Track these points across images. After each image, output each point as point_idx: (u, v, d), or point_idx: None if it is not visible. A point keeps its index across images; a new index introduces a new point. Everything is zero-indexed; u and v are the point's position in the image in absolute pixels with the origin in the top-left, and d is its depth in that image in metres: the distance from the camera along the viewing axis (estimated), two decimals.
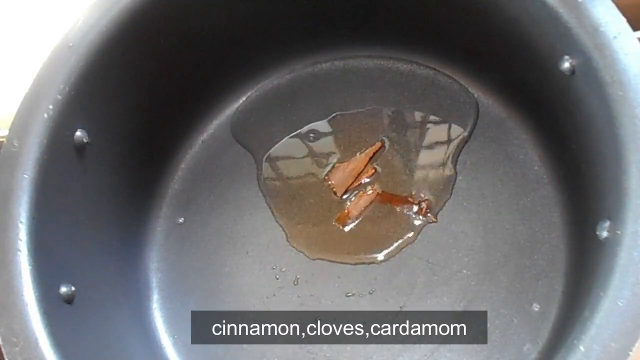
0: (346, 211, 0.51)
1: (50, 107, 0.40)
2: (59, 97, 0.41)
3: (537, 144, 0.50)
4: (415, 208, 0.50)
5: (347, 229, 0.50)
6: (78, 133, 0.42)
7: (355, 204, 0.51)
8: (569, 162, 0.46)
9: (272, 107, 0.56)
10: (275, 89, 0.57)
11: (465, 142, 0.51)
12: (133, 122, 0.49)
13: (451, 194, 0.50)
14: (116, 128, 0.47)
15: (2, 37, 0.55)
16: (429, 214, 0.49)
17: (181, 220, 0.53)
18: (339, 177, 0.52)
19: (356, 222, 0.51)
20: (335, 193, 0.51)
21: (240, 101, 0.57)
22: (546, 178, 0.49)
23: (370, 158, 0.52)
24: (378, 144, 0.52)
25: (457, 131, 0.52)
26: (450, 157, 0.51)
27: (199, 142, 0.56)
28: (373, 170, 0.52)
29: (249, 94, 0.57)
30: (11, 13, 0.56)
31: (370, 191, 0.51)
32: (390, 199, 0.51)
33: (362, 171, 0.52)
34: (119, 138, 0.48)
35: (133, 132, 0.49)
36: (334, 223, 0.51)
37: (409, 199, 0.50)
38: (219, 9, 0.50)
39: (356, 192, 0.52)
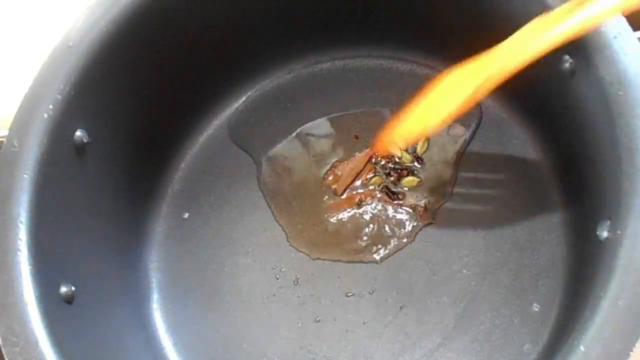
0: (340, 201, 0.51)
1: (50, 107, 0.40)
2: (59, 97, 0.41)
3: (537, 144, 0.50)
4: (415, 208, 0.50)
5: (335, 220, 0.50)
6: (78, 133, 0.42)
7: (350, 197, 0.51)
8: (569, 162, 0.46)
9: (272, 107, 0.56)
10: (275, 89, 0.57)
11: (467, 143, 0.52)
12: (133, 122, 0.49)
13: (451, 194, 0.50)
14: (116, 128, 0.47)
15: (2, 37, 0.55)
16: (427, 214, 0.49)
17: (186, 215, 0.53)
18: (339, 176, 0.52)
19: (350, 213, 0.51)
20: (335, 192, 0.51)
21: (240, 101, 0.57)
22: (546, 178, 0.49)
23: (370, 157, 0.52)
24: None
25: (460, 132, 0.52)
26: (453, 158, 0.51)
27: (199, 142, 0.56)
28: (373, 169, 0.52)
29: (249, 93, 0.57)
30: (11, 13, 0.56)
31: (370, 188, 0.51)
32: (391, 198, 0.50)
33: (361, 170, 0.52)
34: (119, 138, 0.48)
35: (133, 132, 0.49)
36: (326, 215, 0.51)
37: (410, 199, 0.50)
38: (218, 9, 0.50)
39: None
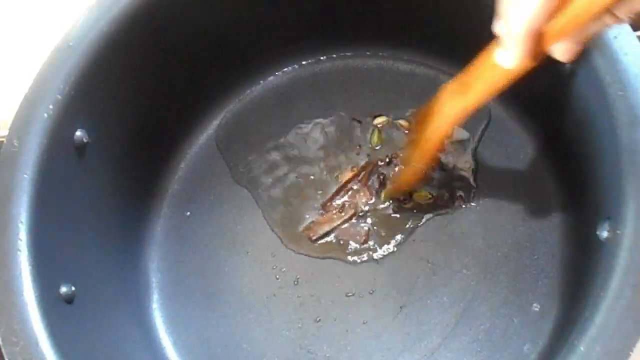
0: (315, 225, 0.50)
1: (50, 107, 0.40)
2: (59, 97, 0.41)
3: (537, 144, 0.50)
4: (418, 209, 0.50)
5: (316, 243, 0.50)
6: (78, 133, 0.42)
7: (328, 219, 0.51)
8: (569, 162, 0.46)
9: (271, 107, 0.56)
10: (275, 89, 0.57)
11: (477, 145, 0.51)
12: (133, 121, 0.49)
13: (450, 193, 0.50)
14: (116, 128, 0.47)
15: (2, 37, 0.55)
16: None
17: (186, 215, 0.53)
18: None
19: (326, 238, 0.50)
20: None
21: (239, 101, 0.57)
22: (546, 178, 0.49)
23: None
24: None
25: (465, 136, 0.52)
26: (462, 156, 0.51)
27: (199, 142, 0.56)
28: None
29: (249, 93, 0.57)
30: (11, 13, 0.56)
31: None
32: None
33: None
34: (119, 138, 0.48)
35: (133, 132, 0.49)
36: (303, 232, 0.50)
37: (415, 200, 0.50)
38: (218, 10, 0.50)
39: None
